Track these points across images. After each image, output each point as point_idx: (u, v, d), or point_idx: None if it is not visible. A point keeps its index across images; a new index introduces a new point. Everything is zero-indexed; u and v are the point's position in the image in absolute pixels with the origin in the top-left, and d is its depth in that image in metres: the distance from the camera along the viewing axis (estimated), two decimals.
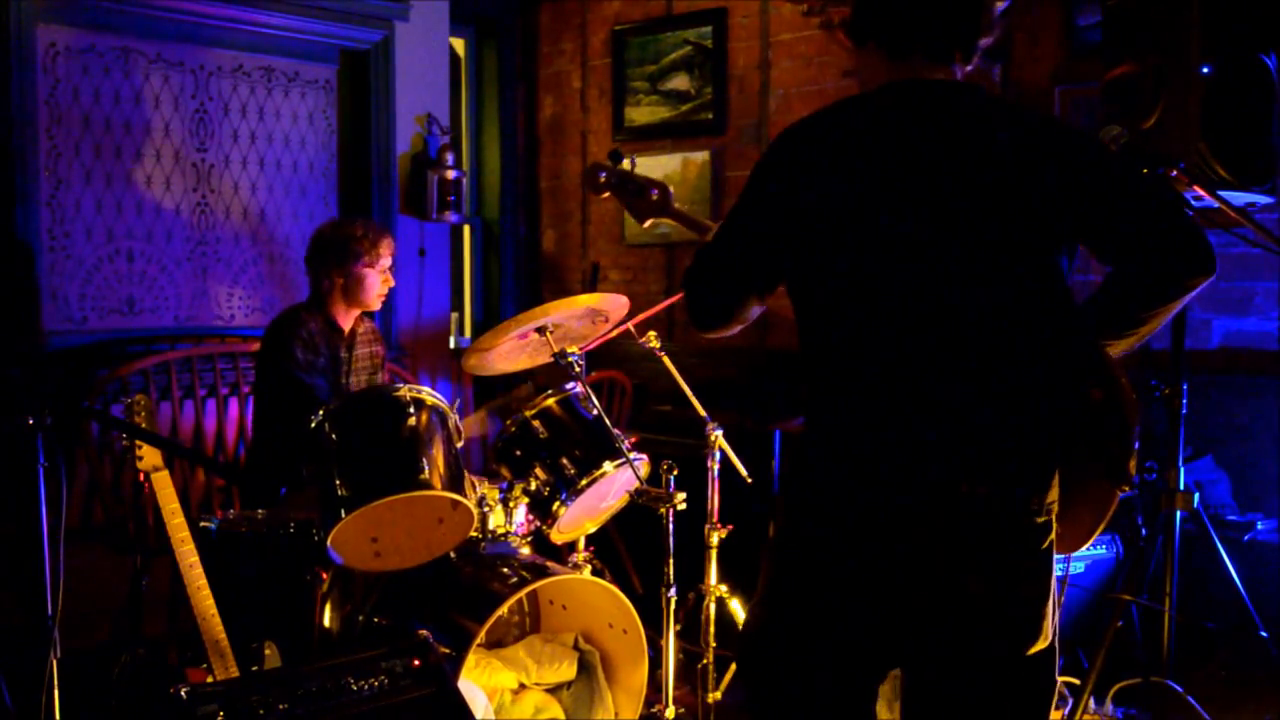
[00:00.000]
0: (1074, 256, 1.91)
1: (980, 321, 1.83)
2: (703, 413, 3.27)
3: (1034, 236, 1.85)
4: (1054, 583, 1.89)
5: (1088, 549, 3.59)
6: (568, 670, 3.35)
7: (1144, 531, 3.42)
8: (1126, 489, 1.93)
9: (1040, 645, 1.87)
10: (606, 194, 2.34)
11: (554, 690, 3.36)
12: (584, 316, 3.22)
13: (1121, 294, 1.92)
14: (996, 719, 1.89)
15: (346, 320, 3.68)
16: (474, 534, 3.15)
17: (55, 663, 2.38)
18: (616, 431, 3.21)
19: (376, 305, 3.70)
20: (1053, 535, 1.88)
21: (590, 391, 3.22)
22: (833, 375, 1.90)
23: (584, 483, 3.15)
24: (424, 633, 2.50)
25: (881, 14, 1.94)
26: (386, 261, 3.65)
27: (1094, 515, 1.95)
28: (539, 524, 3.27)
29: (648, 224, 2.39)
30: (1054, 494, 1.87)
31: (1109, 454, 1.91)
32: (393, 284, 3.71)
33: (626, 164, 2.37)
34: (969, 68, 1.94)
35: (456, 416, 3.16)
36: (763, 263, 1.96)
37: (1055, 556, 1.91)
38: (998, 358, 1.83)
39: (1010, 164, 1.84)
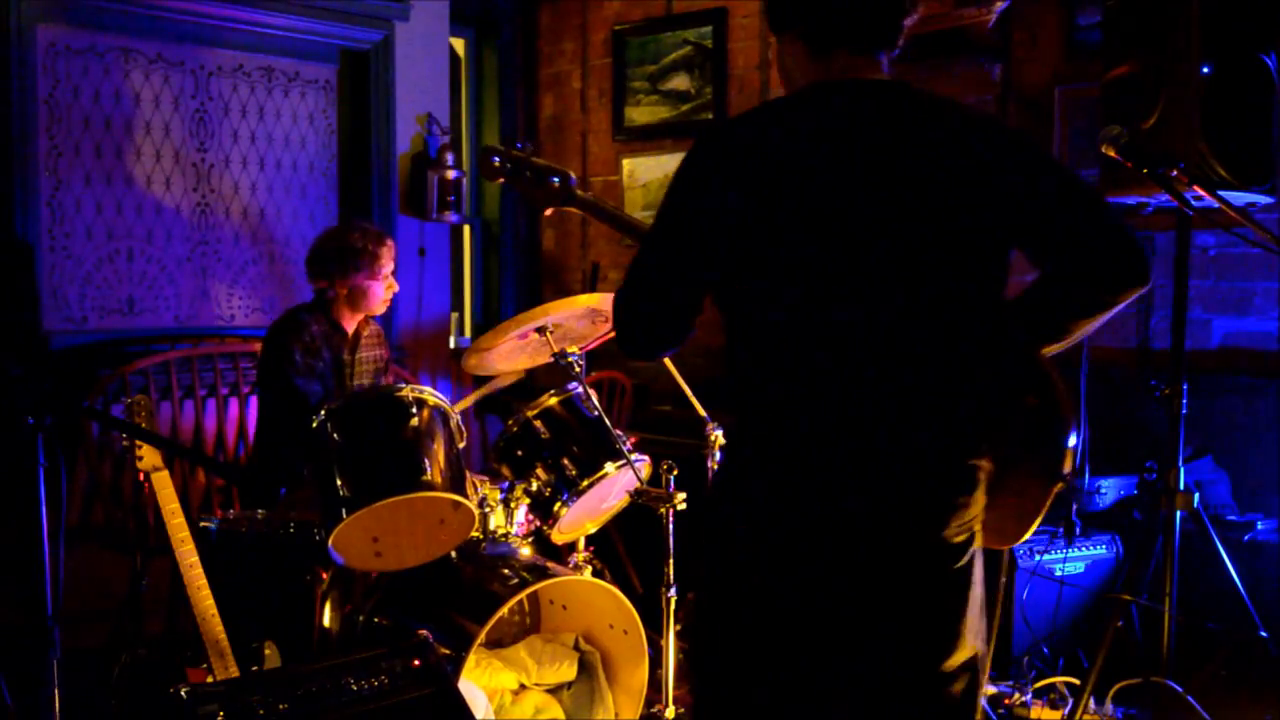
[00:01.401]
0: (1008, 260, 1.84)
1: (912, 336, 1.77)
2: (703, 413, 3.27)
3: (969, 242, 1.79)
4: (975, 594, 1.85)
5: (1088, 549, 3.59)
6: (568, 670, 3.35)
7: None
8: (1062, 485, 1.89)
9: (961, 656, 1.84)
10: (501, 179, 2.23)
11: (554, 691, 3.36)
12: (584, 316, 3.22)
13: (1052, 302, 1.86)
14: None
15: (350, 323, 3.69)
16: (475, 534, 3.15)
17: (55, 663, 2.38)
18: (618, 432, 3.21)
19: (381, 310, 3.71)
20: (972, 549, 1.84)
21: (591, 391, 3.22)
22: (759, 394, 1.85)
23: (585, 483, 3.15)
24: (424, 633, 2.50)
25: (800, 6, 1.86)
26: (389, 268, 3.65)
27: (1030, 511, 1.90)
28: (540, 524, 3.27)
29: (549, 212, 2.28)
30: (974, 510, 1.82)
31: (1044, 454, 1.87)
32: (396, 289, 3.71)
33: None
34: (895, 53, 1.88)
35: (458, 416, 3.16)
36: (698, 273, 1.86)
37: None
38: (929, 373, 1.77)
39: (943, 167, 1.77)
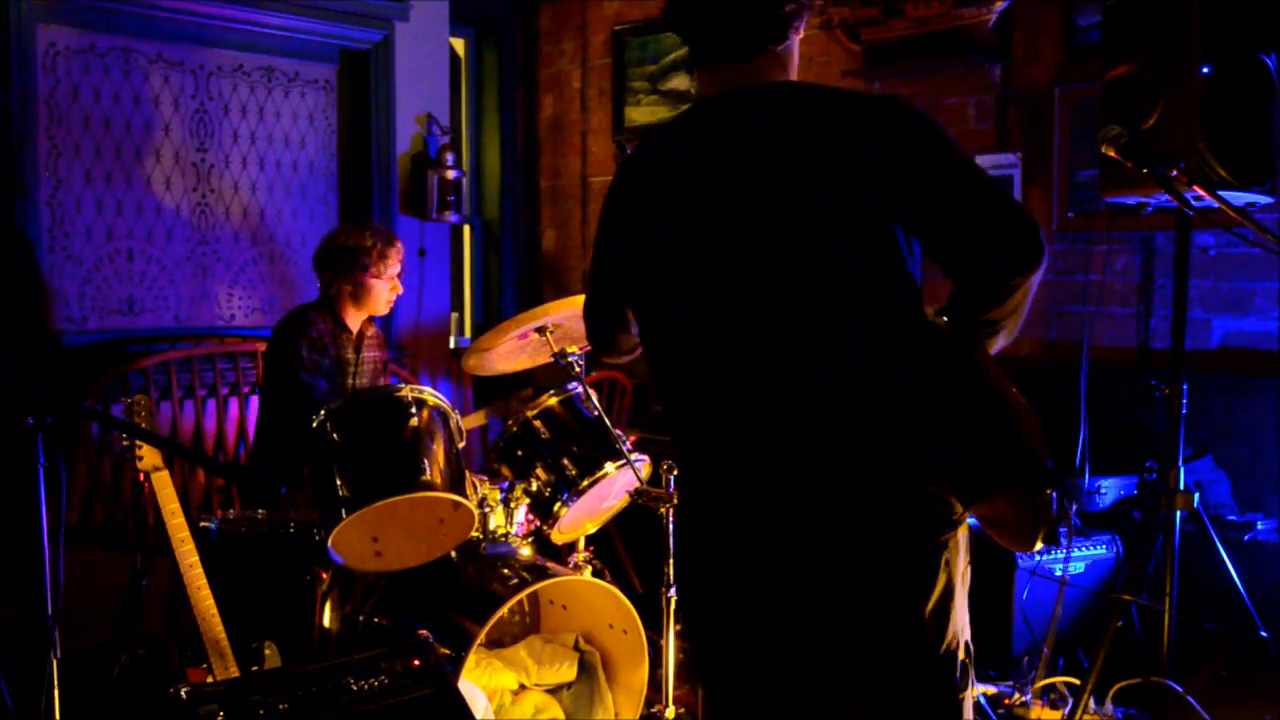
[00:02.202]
0: (900, 250, 1.75)
1: (809, 338, 1.74)
2: None
3: (855, 239, 1.72)
4: (932, 604, 1.77)
5: (1088, 549, 3.59)
6: (568, 671, 3.35)
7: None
8: (1050, 490, 1.76)
9: (926, 658, 1.80)
10: None
11: (554, 691, 3.36)
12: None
13: (958, 296, 1.79)
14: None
15: (355, 322, 3.70)
16: (475, 534, 3.15)
17: (55, 663, 2.38)
18: (617, 432, 3.21)
19: (385, 310, 3.72)
20: (944, 555, 1.77)
21: (591, 391, 3.22)
22: (680, 407, 1.91)
23: (585, 483, 3.15)
24: (424, 633, 2.50)
25: (679, 18, 1.89)
26: (395, 269, 3.67)
27: (1027, 519, 1.78)
28: (540, 524, 3.27)
29: None
30: (934, 515, 1.76)
31: (1007, 463, 1.76)
32: (401, 291, 3.73)
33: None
34: (791, 41, 1.85)
35: (458, 416, 3.16)
36: (614, 292, 2.04)
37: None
38: (832, 377, 1.73)
39: (811, 160, 1.72)
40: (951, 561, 1.79)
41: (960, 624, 1.83)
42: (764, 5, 1.81)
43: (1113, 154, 2.72)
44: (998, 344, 1.84)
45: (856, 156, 1.72)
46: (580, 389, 3.24)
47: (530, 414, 3.25)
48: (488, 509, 3.20)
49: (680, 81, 5.32)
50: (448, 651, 2.81)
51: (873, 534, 1.75)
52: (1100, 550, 3.62)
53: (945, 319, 1.82)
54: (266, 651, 2.91)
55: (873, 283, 1.74)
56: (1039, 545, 1.81)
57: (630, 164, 1.98)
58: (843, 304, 1.73)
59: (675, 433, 1.95)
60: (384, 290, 3.65)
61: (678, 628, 3.14)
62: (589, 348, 3.34)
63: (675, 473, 3.07)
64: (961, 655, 1.83)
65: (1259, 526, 3.54)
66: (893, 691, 1.84)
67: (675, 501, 2.03)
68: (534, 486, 3.22)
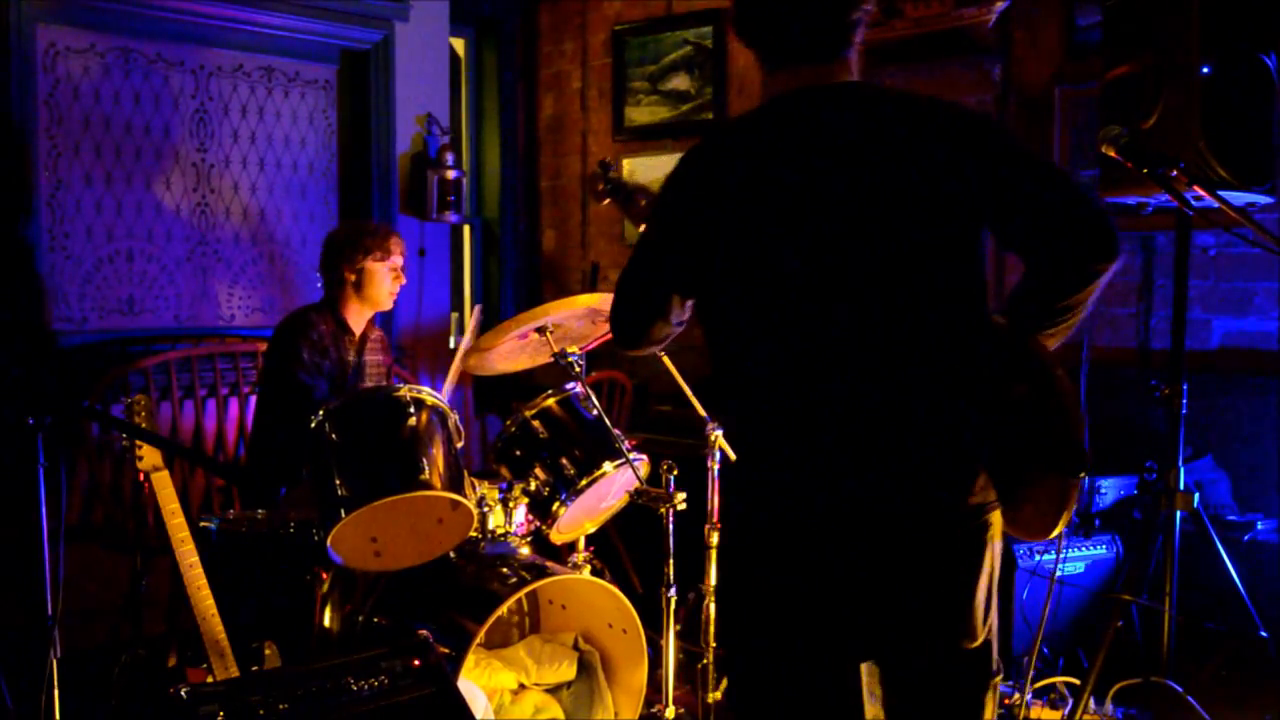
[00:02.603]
0: (982, 248, 1.86)
1: (891, 328, 1.81)
2: (703, 413, 3.27)
3: (939, 231, 1.81)
4: (983, 583, 1.87)
5: (1088, 549, 3.59)
6: (568, 670, 3.35)
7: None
8: (1084, 476, 1.91)
9: (968, 644, 1.88)
10: (607, 201, 2.55)
11: (554, 690, 3.36)
12: (584, 316, 3.22)
13: (1033, 286, 1.88)
14: (933, 711, 1.92)
15: (358, 323, 3.69)
16: (474, 534, 3.15)
17: (55, 663, 2.38)
18: (616, 432, 3.21)
19: (388, 304, 3.71)
20: (988, 536, 1.86)
21: (590, 391, 3.22)
22: (747, 394, 1.92)
23: (584, 483, 3.15)
24: (424, 633, 2.50)
25: (748, 26, 1.94)
26: (398, 260, 3.67)
27: (1053, 504, 1.89)
28: (539, 524, 3.27)
29: (643, 228, 2.46)
30: (985, 495, 1.85)
31: (1050, 446, 1.88)
32: (404, 281, 3.72)
33: (622, 172, 2.57)
34: (852, 50, 1.91)
35: (456, 416, 3.16)
36: (670, 277, 2.01)
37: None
38: (911, 364, 1.82)
39: (905, 158, 1.80)
40: (992, 542, 1.88)
41: (994, 607, 1.92)
42: (833, 15, 1.88)
43: (1113, 154, 2.72)
44: (1057, 341, 1.91)
45: (948, 157, 1.80)
46: (579, 389, 3.24)
47: (529, 414, 3.25)
48: (486, 509, 3.19)
49: (680, 81, 5.32)
50: (447, 651, 2.81)
51: (935, 512, 1.83)
52: (1100, 550, 3.62)
53: (1007, 317, 1.91)
54: (266, 651, 2.91)
55: (954, 278, 1.84)
56: (1057, 532, 1.91)
57: (704, 154, 1.96)
58: (926, 297, 1.82)
59: (741, 414, 1.94)
60: (386, 278, 3.64)
61: (678, 627, 3.14)
62: (588, 348, 3.36)
63: (674, 472, 3.08)
64: (994, 639, 1.93)
65: (1259, 526, 3.54)
66: (939, 671, 1.90)
67: (739, 477, 1.98)
68: (533, 486, 3.22)
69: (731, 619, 2.03)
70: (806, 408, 1.84)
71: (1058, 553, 3.43)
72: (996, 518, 1.88)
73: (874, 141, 1.82)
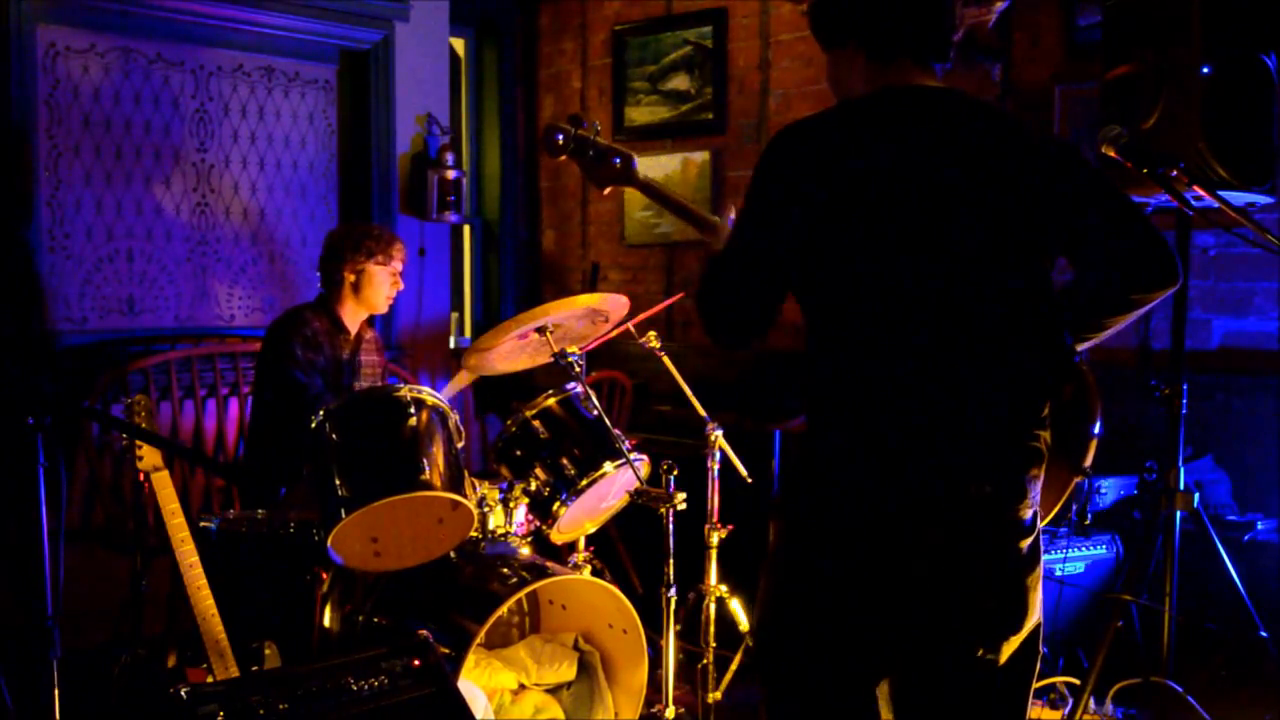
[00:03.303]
0: (1056, 257, 1.98)
1: (979, 326, 1.88)
2: (703, 413, 3.27)
3: (1025, 240, 1.91)
4: (1040, 568, 1.96)
5: (1088, 549, 3.59)
6: (568, 670, 3.35)
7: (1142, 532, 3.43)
8: (1082, 476, 2.02)
9: (1029, 626, 1.95)
10: (563, 157, 2.27)
11: (554, 690, 3.36)
12: (584, 316, 3.22)
13: (1088, 301, 1.98)
14: (992, 697, 1.96)
15: (353, 322, 3.69)
16: (474, 534, 3.15)
17: (55, 663, 2.38)
18: (617, 432, 3.21)
19: (384, 307, 3.71)
20: (1039, 528, 1.94)
21: (590, 391, 3.22)
22: (839, 381, 1.92)
23: (584, 483, 3.15)
24: (424, 633, 2.50)
25: (864, 15, 1.98)
26: (398, 265, 3.68)
27: (1053, 498, 2.02)
28: (539, 524, 3.27)
29: (607, 191, 2.34)
30: (1039, 488, 1.94)
31: (1073, 445, 1.99)
32: (401, 287, 3.73)
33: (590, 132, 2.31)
34: (948, 66, 2.01)
35: (457, 416, 3.16)
36: (779, 268, 1.94)
37: (1050, 558, 1.96)
38: (996, 361, 1.88)
39: (1003, 170, 1.90)
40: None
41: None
42: (946, 22, 2.01)
43: (1113, 154, 2.72)
44: (1086, 345, 2.03)
45: (1051, 176, 1.92)
46: (579, 389, 3.24)
47: (529, 414, 3.25)
48: (487, 509, 3.20)
49: (680, 81, 5.32)
50: (447, 651, 2.81)
51: (1018, 517, 1.89)
52: (1100, 550, 3.62)
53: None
54: (266, 651, 2.91)
55: (1037, 290, 1.93)
56: (1045, 522, 2.01)
57: (820, 131, 1.93)
58: (1019, 299, 1.91)
59: (833, 407, 1.93)
60: (385, 281, 3.65)
61: (678, 627, 3.14)
62: (588, 348, 3.36)
63: (674, 472, 3.07)
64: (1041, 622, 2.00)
65: (1259, 526, 3.54)
66: (1010, 660, 1.94)
67: (816, 472, 1.95)
68: (533, 486, 3.22)
69: (789, 611, 1.99)
70: (905, 397, 1.87)
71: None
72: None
73: (994, 148, 1.91)
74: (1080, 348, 2.00)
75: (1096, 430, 2.01)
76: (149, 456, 2.88)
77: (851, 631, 1.92)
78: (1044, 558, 1.98)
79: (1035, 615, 1.95)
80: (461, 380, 3.55)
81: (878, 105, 1.95)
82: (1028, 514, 1.90)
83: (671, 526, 3.07)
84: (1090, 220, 1.92)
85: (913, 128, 1.91)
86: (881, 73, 1.97)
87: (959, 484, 1.86)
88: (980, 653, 1.92)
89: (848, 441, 1.90)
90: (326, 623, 3.15)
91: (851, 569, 1.90)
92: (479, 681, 3.23)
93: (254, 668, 2.84)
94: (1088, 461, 2.00)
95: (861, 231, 1.87)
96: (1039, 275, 1.93)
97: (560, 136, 2.25)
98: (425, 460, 2.96)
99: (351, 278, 3.61)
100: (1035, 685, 3.25)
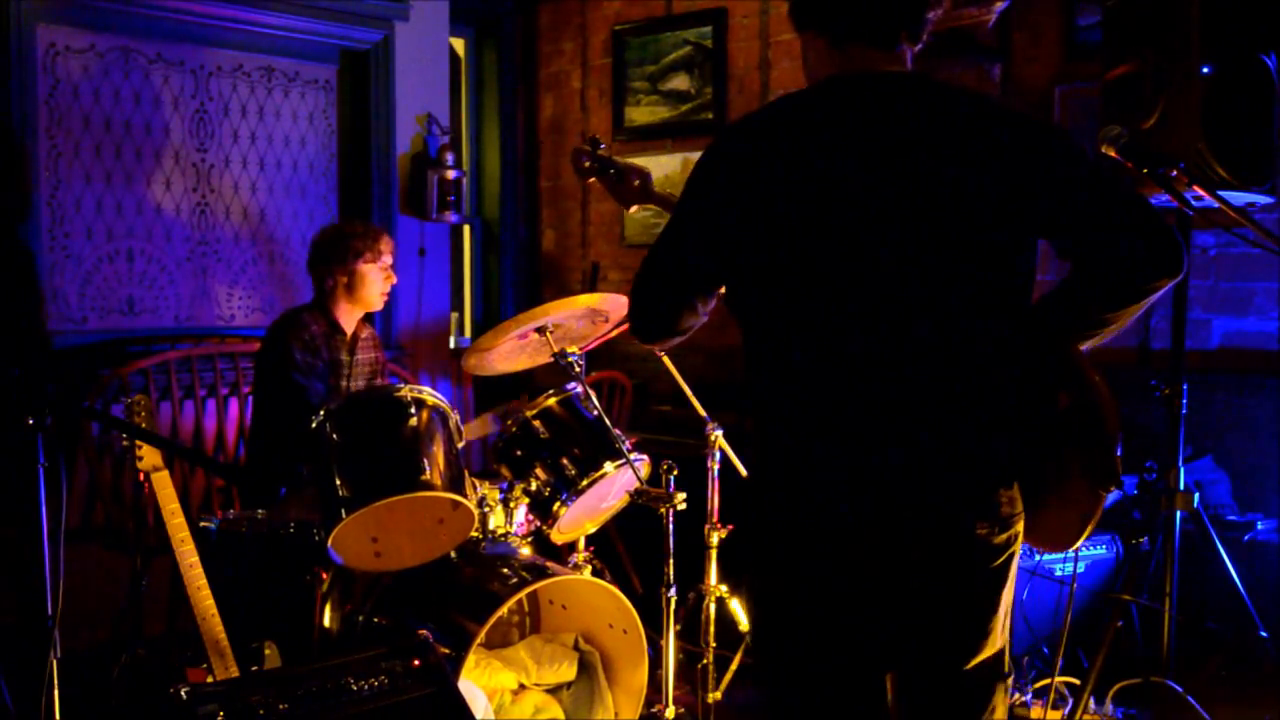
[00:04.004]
0: (1034, 255, 1.82)
1: (933, 332, 1.76)
2: (703, 413, 3.27)
3: (991, 236, 1.76)
4: (1006, 595, 1.86)
5: (1088, 550, 3.59)
6: (568, 670, 3.35)
7: (1145, 541, 3.43)
8: (1112, 489, 1.87)
9: (987, 653, 1.87)
10: (592, 179, 2.39)
11: (554, 690, 3.36)
12: (584, 316, 3.22)
13: (1085, 295, 1.84)
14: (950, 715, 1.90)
15: (349, 322, 3.69)
16: (474, 534, 3.15)
17: (55, 663, 2.38)
18: (617, 432, 3.21)
19: (379, 304, 3.71)
20: (1012, 549, 1.84)
21: (590, 391, 3.22)
22: (777, 389, 1.85)
23: (585, 483, 3.15)
24: (424, 633, 2.50)
25: (826, 2, 1.85)
26: (387, 259, 3.67)
27: (1080, 515, 1.88)
28: (539, 524, 3.27)
29: (633, 210, 2.45)
30: (1014, 507, 1.83)
31: (1086, 457, 1.86)
32: (395, 280, 3.72)
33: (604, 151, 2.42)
34: (918, 47, 1.87)
35: (457, 416, 3.16)
36: (701, 268, 1.90)
37: (1049, 559, 1.89)
38: (951, 370, 1.77)
39: (963, 160, 1.75)
40: (1017, 553, 1.86)
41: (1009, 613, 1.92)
42: (916, 5, 1.83)
43: (1113, 154, 2.72)
44: (1088, 345, 1.90)
45: (1015, 164, 1.75)
46: (579, 389, 3.24)
47: (529, 414, 3.25)
48: (487, 509, 3.19)
49: (680, 81, 5.32)
50: (447, 651, 2.81)
51: (967, 523, 1.79)
52: (1100, 550, 3.61)
53: (1045, 314, 1.86)
54: (266, 651, 2.91)
55: (1003, 285, 1.79)
56: (1079, 543, 1.91)
57: (749, 133, 1.87)
58: (974, 303, 1.77)
59: (774, 409, 1.86)
60: (377, 279, 3.65)
61: (677, 627, 3.14)
62: (588, 348, 3.36)
63: (674, 473, 3.08)
64: (1008, 643, 1.92)
65: (1259, 526, 3.54)
66: (958, 677, 1.87)
67: (760, 485, 1.91)
68: (533, 486, 3.22)
69: (764, 622, 1.96)
70: (844, 410, 1.78)
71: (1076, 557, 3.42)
72: (1020, 527, 1.85)
73: (938, 138, 1.76)
74: (1083, 347, 1.88)
75: (1118, 452, 1.87)
76: (149, 456, 2.88)
77: (822, 629, 1.87)
78: (1043, 559, 1.95)
79: (995, 642, 1.87)
80: (483, 426, 3.54)
81: (817, 99, 1.84)
82: (990, 535, 1.79)
83: (671, 526, 3.07)
84: (1078, 207, 1.75)
85: (850, 124, 1.78)
86: (837, 58, 1.84)
87: (895, 505, 1.77)
88: (932, 667, 1.87)
89: (784, 456, 1.84)
90: (326, 623, 3.15)
91: (804, 578, 1.85)
92: (479, 681, 3.23)
93: (254, 668, 2.84)
94: (1112, 472, 1.85)
95: (788, 237, 1.77)
96: (1011, 278, 1.79)
97: (585, 159, 2.39)
98: (425, 460, 2.96)
99: (344, 279, 3.61)
100: (1035, 685, 3.27)
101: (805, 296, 1.79)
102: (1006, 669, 1.92)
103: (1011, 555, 1.85)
